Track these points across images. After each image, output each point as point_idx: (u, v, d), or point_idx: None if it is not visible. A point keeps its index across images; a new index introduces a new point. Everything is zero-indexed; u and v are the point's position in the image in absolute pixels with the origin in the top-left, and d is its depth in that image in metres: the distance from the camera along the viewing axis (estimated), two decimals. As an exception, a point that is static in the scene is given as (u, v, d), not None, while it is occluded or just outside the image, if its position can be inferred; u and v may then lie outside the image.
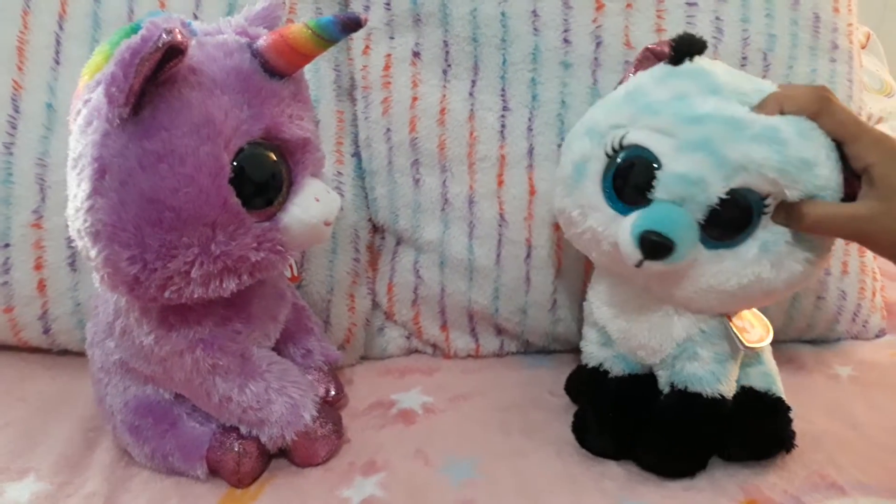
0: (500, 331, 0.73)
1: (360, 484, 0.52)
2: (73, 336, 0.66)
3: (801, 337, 0.75)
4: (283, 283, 0.58)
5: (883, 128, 1.25)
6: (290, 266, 0.64)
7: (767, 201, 0.48)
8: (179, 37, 0.39)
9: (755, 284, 0.50)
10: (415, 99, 0.69)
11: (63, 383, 0.65)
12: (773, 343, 0.57)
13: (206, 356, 0.50)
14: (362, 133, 0.72)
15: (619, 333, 0.57)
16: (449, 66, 0.69)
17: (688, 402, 0.54)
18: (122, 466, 0.54)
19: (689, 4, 0.67)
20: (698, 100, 0.49)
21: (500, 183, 0.69)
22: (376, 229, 0.75)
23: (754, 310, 0.56)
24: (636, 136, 0.51)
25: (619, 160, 0.52)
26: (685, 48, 0.52)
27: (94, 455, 0.55)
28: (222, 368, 0.50)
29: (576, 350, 0.63)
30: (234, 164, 0.44)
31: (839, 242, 0.70)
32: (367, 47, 0.71)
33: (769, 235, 0.49)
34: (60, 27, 0.65)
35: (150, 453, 0.53)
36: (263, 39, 0.46)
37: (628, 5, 0.67)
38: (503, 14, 0.67)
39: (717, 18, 0.67)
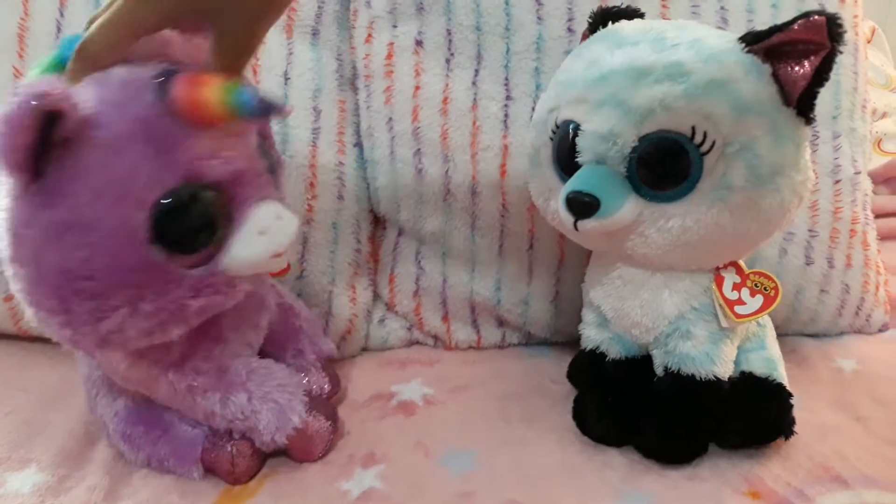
0: (501, 322, 0.73)
1: (360, 476, 0.52)
2: (74, 325, 0.66)
3: (804, 331, 0.74)
4: (263, 289, 0.56)
5: (887, 123, 1.24)
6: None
7: (700, 140, 0.47)
8: (55, 98, 0.36)
9: (718, 233, 0.49)
10: (417, 88, 0.69)
11: (64, 373, 0.65)
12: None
13: (179, 379, 0.49)
14: (364, 123, 0.72)
15: (613, 312, 0.57)
16: (452, 54, 0.68)
17: (681, 384, 0.53)
18: (123, 460, 0.54)
19: (694, -7, 0.67)
20: (606, 59, 0.50)
21: (503, 173, 0.68)
22: (378, 220, 0.75)
23: (759, 277, 0.54)
24: (565, 113, 0.52)
25: (556, 140, 0.53)
26: (600, 18, 0.55)
27: (96, 448, 0.55)
28: (199, 388, 0.50)
29: (578, 341, 0.63)
30: (153, 218, 0.40)
31: (843, 236, 0.70)
32: (369, 35, 0.70)
33: (719, 179, 0.47)
34: (61, 14, 0.65)
35: (146, 459, 0.52)
36: (177, 84, 0.40)
37: (633, -6, 0.66)
38: (507, 2, 0.67)
39: (723, 8, 0.67)
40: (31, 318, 0.43)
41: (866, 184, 0.73)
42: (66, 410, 0.59)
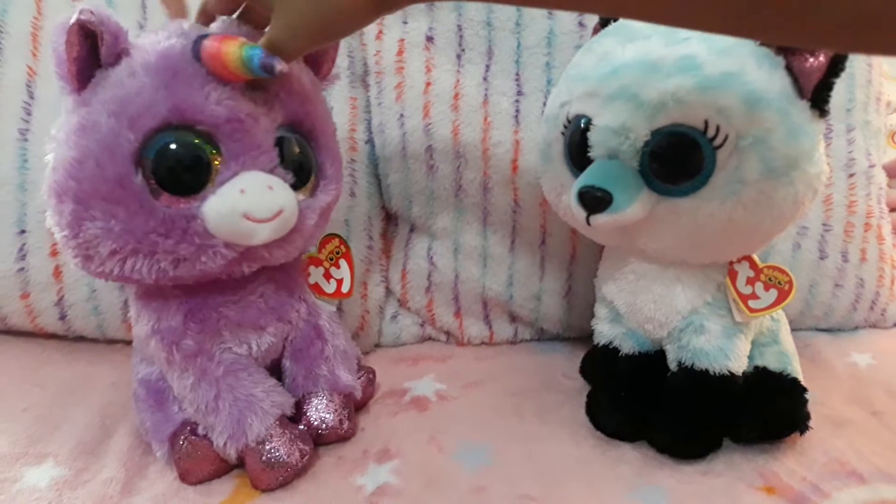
0: (513, 318, 0.73)
1: (374, 471, 0.52)
2: (89, 322, 0.67)
3: (818, 325, 0.74)
4: (284, 300, 0.55)
5: (900, 115, 1.23)
6: (335, 278, 0.62)
7: (713, 134, 0.46)
8: (90, 17, 0.41)
9: (731, 227, 0.48)
10: (428, 84, 0.69)
11: (80, 369, 0.65)
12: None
13: (160, 348, 0.50)
14: (375, 119, 0.72)
15: (627, 307, 0.57)
16: (463, 50, 0.68)
17: (695, 380, 0.53)
18: (139, 454, 0.54)
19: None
20: (618, 52, 0.50)
21: (515, 169, 0.68)
22: (390, 217, 0.75)
23: (773, 271, 0.54)
24: (577, 107, 0.52)
25: (568, 134, 0.53)
26: None
27: (112, 441, 0.55)
28: (175, 364, 0.50)
29: (591, 336, 0.63)
30: (141, 143, 0.44)
31: (858, 230, 0.70)
32: (380, 32, 0.70)
33: (732, 173, 0.47)
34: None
35: (139, 423, 0.54)
36: (208, 38, 0.45)
37: (644, -12, 0.66)
38: (518, -2, 0.66)
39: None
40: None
41: (881, 177, 0.73)
42: (83, 405, 0.60)
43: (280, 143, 0.48)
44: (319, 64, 0.54)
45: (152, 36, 0.46)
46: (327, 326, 0.58)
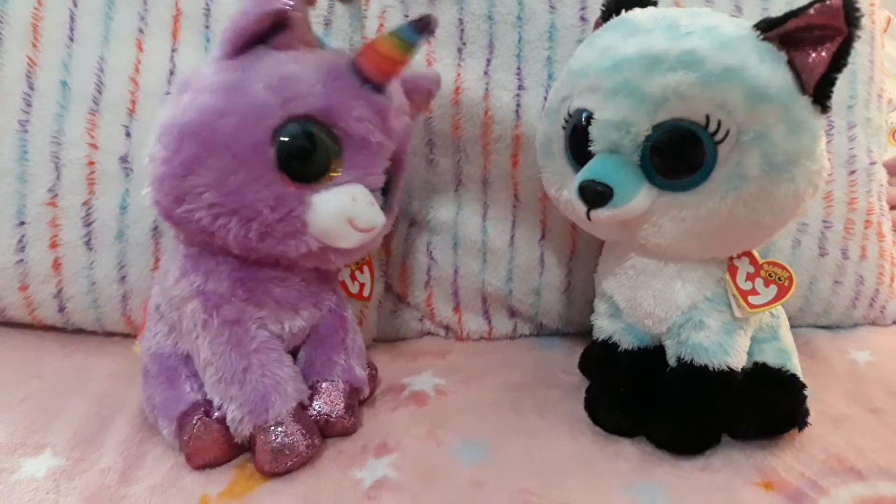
0: (513, 313, 0.73)
1: (373, 465, 0.52)
2: (88, 315, 0.67)
3: (818, 322, 0.74)
4: (322, 286, 0.57)
5: (901, 113, 1.23)
6: (359, 281, 0.64)
7: (714, 129, 0.46)
8: (289, 9, 0.45)
9: (732, 222, 0.48)
10: (429, 78, 0.69)
11: (78, 361, 0.65)
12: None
13: (200, 310, 0.50)
14: (376, 113, 0.72)
15: (626, 302, 0.57)
16: (464, 44, 0.68)
17: (694, 375, 0.53)
18: (136, 442, 0.54)
19: (709, -17, 0.66)
20: (620, 47, 0.50)
21: (515, 164, 0.68)
22: (389, 211, 0.75)
23: (773, 267, 0.54)
24: (578, 101, 0.52)
25: (568, 128, 0.53)
26: (613, 5, 0.55)
27: (109, 432, 0.55)
28: (212, 328, 0.50)
29: (590, 332, 0.63)
30: (286, 128, 0.47)
31: (858, 227, 0.70)
32: (381, 25, 0.70)
33: (733, 168, 0.47)
34: (75, 4, 0.65)
35: (146, 398, 0.54)
36: (360, 47, 0.49)
37: (647, -17, 0.66)
38: (519, -9, 0.66)
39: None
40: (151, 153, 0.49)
41: (881, 174, 0.73)
42: (80, 396, 0.59)
43: (386, 171, 0.52)
44: (418, 103, 0.59)
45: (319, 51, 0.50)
46: (351, 320, 0.60)
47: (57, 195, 0.63)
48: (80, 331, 0.69)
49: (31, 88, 0.64)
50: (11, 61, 0.64)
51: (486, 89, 0.68)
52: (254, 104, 0.46)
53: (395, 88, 0.52)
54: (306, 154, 0.48)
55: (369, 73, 0.48)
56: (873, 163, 0.71)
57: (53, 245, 0.64)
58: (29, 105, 0.63)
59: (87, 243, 0.64)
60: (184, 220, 0.48)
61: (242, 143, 0.46)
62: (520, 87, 0.68)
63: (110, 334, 0.69)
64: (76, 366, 0.64)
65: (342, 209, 0.49)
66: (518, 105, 0.68)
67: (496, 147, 0.68)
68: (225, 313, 0.51)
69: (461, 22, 0.68)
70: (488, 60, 0.68)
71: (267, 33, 0.47)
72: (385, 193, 0.54)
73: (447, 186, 0.70)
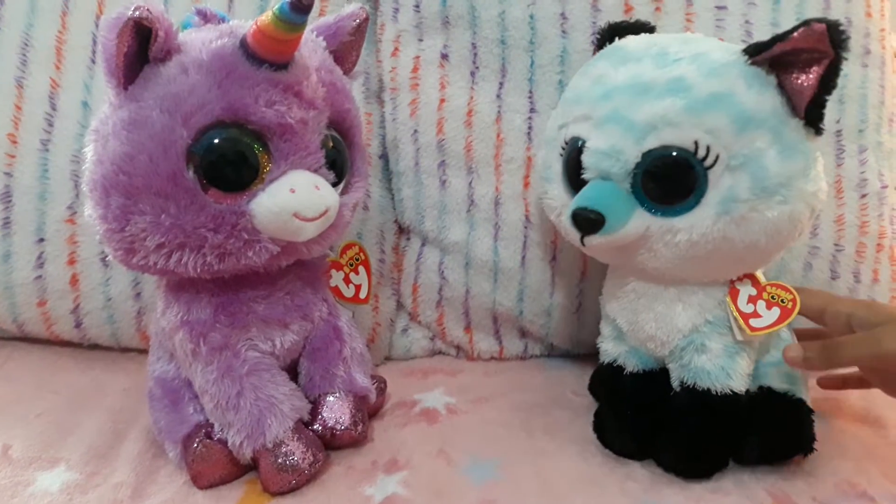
0: (524, 333, 0.73)
1: (383, 482, 0.52)
2: (104, 331, 0.68)
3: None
4: (309, 298, 0.56)
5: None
6: (353, 284, 0.63)
7: (704, 154, 0.47)
8: (145, 13, 0.42)
9: (727, 245, 0.48)
10: (442, 101, 0.70)
11: (94, 376, 0.66)
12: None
13: (187, 339, 0.50)
14: (390, 134, 0.73)
15: (628, 326, 0.57)
16: (477, 67, 0.69)
17: (697, 399, 0.53)
18: (149, 458, 0.55)
19: (719, 8, 0.67)
20: (611, 75, 0.51)
21: (527, 185, 0.69)
22: (402, 230, 0.76)
23: (777, 289, 0.53)
24: (572, 129, 0.53)
25: (565, 156, 0.54)
26: (608, 33, 0.56)
27: (123, 446, 0.56)
28: (201, 357, 0.50)
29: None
30: (193, 139, 0.44)
31: (870, 251, 0.70)
32: (395, 49, 0.72)
33: (725, 192, 0.47)
34: (97, 26, 0.67)
35: (153, 421, 0.55)
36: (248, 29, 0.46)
37: (657, 8, 0.67)
38: (531, 17, 0.67)
39: (747, 22, 0.67)
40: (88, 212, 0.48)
41: (893, 198, 0.72)
42: (95, 411, 0.60)
43: (324, 143, 0.50)
44: (344, 59, 0.55)
45: (202, 34, 0.47)
46: (346, 328, 0.59)
47: (76, 213, 0.65)
48: (95, 346, 0.70)
49: (54, 109, 0.65)
50: (35, 83, 0.66)
51: (499, 112, 0.69)
52: (155, 134, 0.44)
53: (306, 53, 0.48)
54: (227, 162, 0.46)
55: (264, 55, 0.45)
56: (885, 187, 0.71)
57: (71, 261, 0.65)
58: (51, 125, 0.65)
59: (104, 260, 0.65)
60: (143, 267, 0.48)
61: (159, 177, 0.44)
62: (531, 111, 0.68)
63: (126, 350, 0.70)
64: (92, 381, 0.65)
65: (283, 207, 0.46)
66: (530, 127, 0.68)
67: (508, 168, 0.69)
68: (211, 341, 0.51)
69: (474, 46, 0.69)
70: (501, 84, 0.69)
71: (142, 50, 0.44)
72: (335, 165, 0.51)
73: (459, 207, 0.70)
